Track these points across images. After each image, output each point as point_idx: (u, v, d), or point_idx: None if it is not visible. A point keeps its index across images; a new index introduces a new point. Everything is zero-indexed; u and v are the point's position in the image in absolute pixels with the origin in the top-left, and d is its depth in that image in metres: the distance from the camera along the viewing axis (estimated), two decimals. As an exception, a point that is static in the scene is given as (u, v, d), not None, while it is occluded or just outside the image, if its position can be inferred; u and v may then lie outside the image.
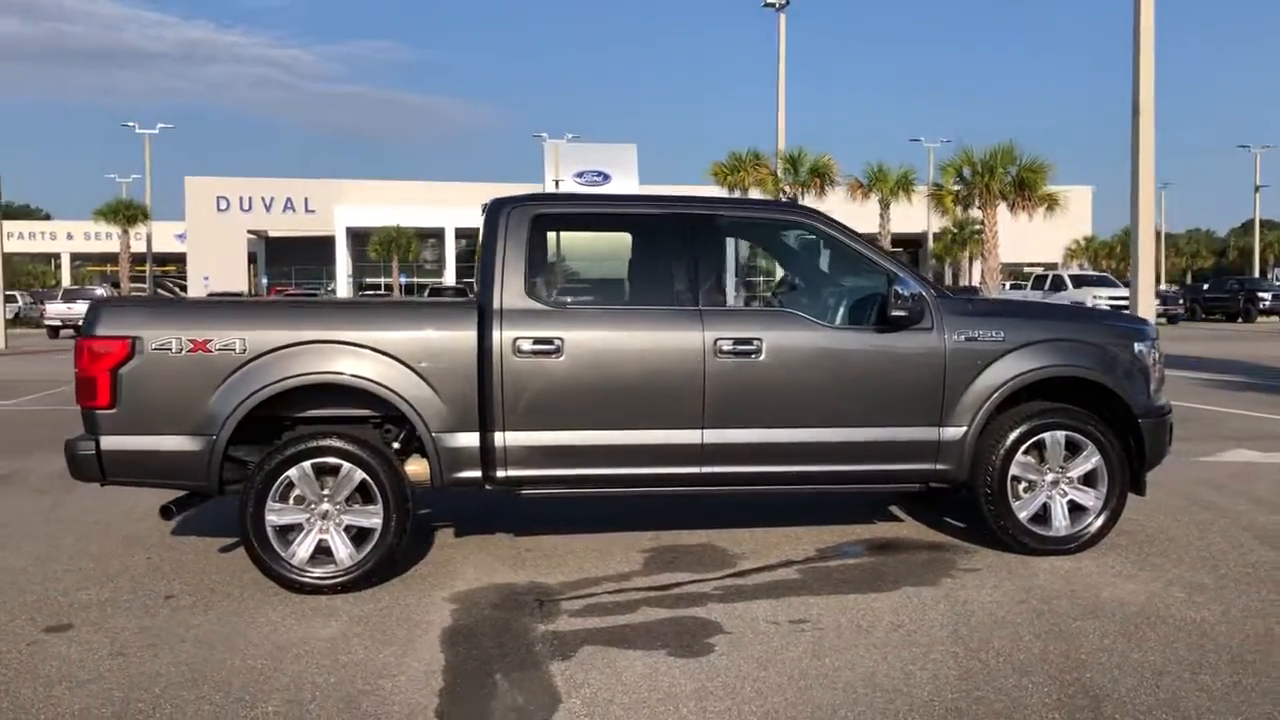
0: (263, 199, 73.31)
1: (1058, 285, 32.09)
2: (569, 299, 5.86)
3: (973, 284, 55.21)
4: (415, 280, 71.59)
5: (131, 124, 65.51)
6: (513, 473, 5.74)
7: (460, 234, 72.15)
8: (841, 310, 6.18)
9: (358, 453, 5.55)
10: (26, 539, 6.78)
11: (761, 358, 5.82)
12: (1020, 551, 6.10)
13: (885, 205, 39.31)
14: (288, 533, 5.58)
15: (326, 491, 5.58)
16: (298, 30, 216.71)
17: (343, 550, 5.58)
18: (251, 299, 9.31)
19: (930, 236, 59.90)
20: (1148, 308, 22.84)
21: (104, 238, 77.05)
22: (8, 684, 4.35)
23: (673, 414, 5.78)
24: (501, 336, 5.65)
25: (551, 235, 6.14)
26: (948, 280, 57.39)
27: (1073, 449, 6.13)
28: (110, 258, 78.93)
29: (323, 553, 5.59)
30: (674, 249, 5.94)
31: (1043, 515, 6.12)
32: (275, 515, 5.53)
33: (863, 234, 6.41)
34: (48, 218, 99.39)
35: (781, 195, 36.82)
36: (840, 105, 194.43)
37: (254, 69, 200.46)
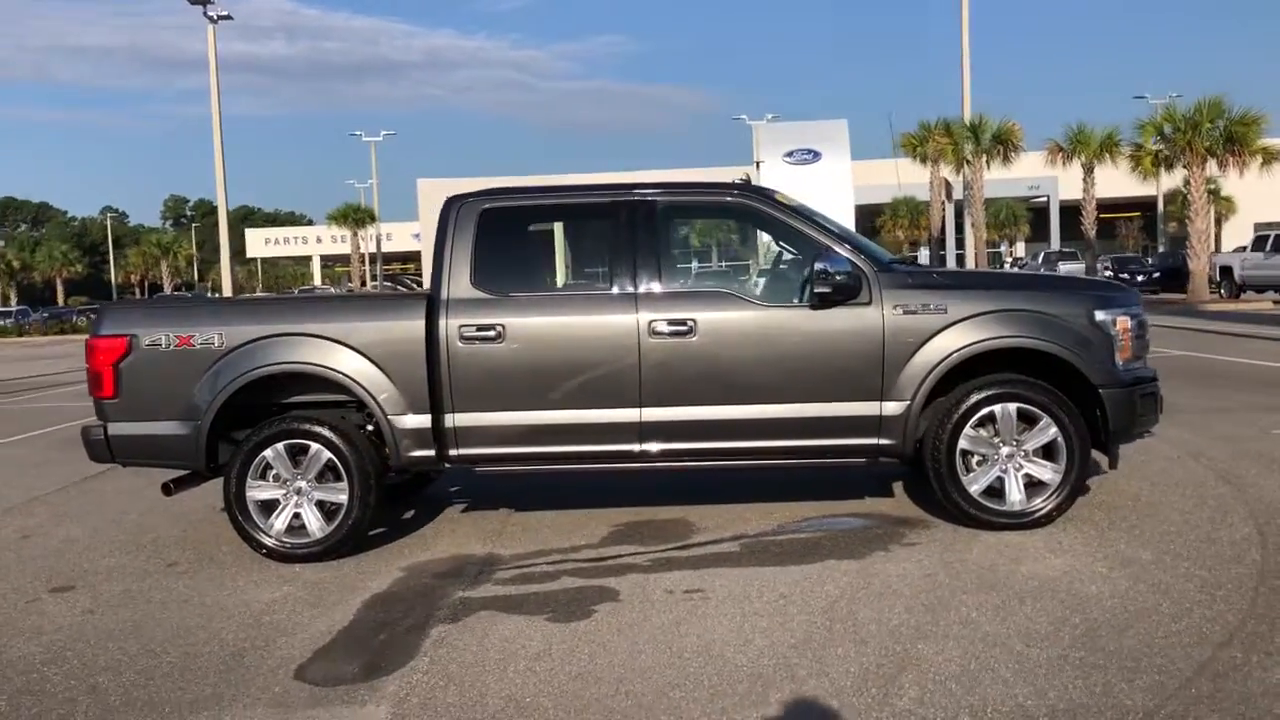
0: (490, 197, 76.29)
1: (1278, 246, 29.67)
2: (512, 288, 6.19)
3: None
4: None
5: (358, 132, 69.67)
6: (464, 451, 6.17)
7: (672, 220, 73.37)
8: (779, 288, 6.25)
9: (323, 434, 6.11)
10: (101, 514, 7.71)
11: (695, 338, 6.00)
12: (974, 525, 6.04)
13: (1089, 169, 37.34)
14: (268, 507, 6.19)
15: (299, 470, 6.15)
16: (533, 31, 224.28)
17: (314, 523, 6.16)
18: (232, 299, 10.01)
19: (1161, 200, 56.37)
20: None
21: (340, 240, 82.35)
22: (-14, 633, 5.12)
23: (610, 393, 6.05)
24: (447, 325, 6.07)
25: (517, 228, 6.48)
26: (1163, 248, 53.71)
27: (1030, 422, 6.00)
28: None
29: (300, 525, 6.18)
30: (614, 236, 6.19)
31: (999, 489, 6.02)
32: (255, 491, 6.16)
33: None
34: (310, 223, 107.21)
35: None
36: (1035, 68, 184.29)
37: (495, 71, 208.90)
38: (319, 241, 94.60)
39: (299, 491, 6.19)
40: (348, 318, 6.23)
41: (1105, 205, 47.36)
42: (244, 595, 5.58)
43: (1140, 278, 37.07)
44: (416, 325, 6.10)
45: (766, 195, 6.30)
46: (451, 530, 6.77)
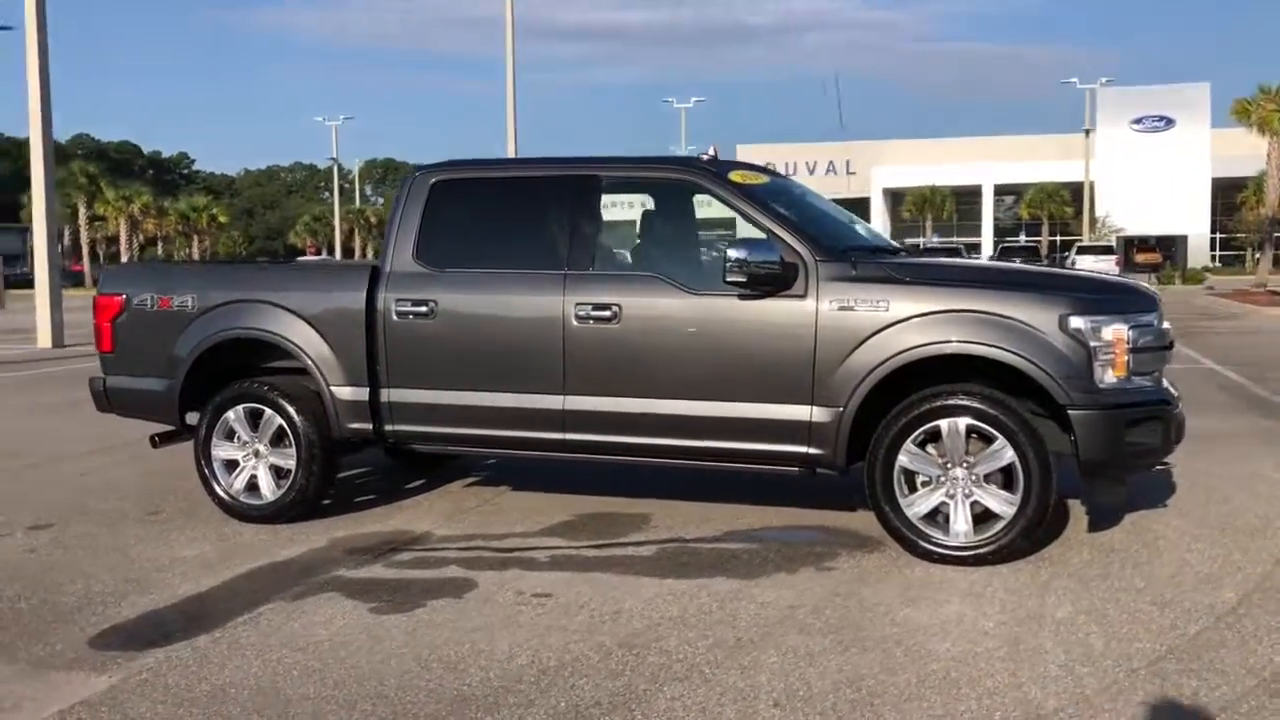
0: (807, 163, 75.76)
1: None
2: (450, 263, 6.01)
3: None
4: (954, 240, 69.88)
5: (670, 99, 70.75)
6: (398, 428, 6.10)
7: (1000, 191, 69.49)
8: (713, 275, 5.68)
9: (275, 399, 6.23)
10: (151, 460, 8.02)
11: (619, 324, 5.61)
12: (915, 555, 5.29)
13: None
14: (231, 466, 6.40)
15: (257, 433, 6.32)
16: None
17: (267, 486, 6.31)
18: (199, 265, 10.16)
19: None
20: None
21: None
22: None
23: (536, 379, 5.78)
24: (385, 298, 6.01)
25: (466, 202, 6.26)
26: None
27: (988, 442, 5.17)
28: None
29: (258, 486, 6.36)
30: (553, 212, 5.89)
31: (947, 517, 5.24)
32: (220, 450, 6.39)
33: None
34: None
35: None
36: None
37: (847, 33, 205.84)
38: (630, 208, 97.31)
39: (257, 454, 6.35)
40: (300, 287, 6.31)
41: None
42: (169, 550, 5.79)
43: None
44: (359, 297, 6.08)
45: (714, 172, 5.75)
46: (422, 505, 6.72)
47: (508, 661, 4.15)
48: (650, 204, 6.15)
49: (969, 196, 69.87)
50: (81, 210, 61.87)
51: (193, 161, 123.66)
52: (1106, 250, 47.70)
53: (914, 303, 5.22)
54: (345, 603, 4.89)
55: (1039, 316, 5.09)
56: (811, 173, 75.45)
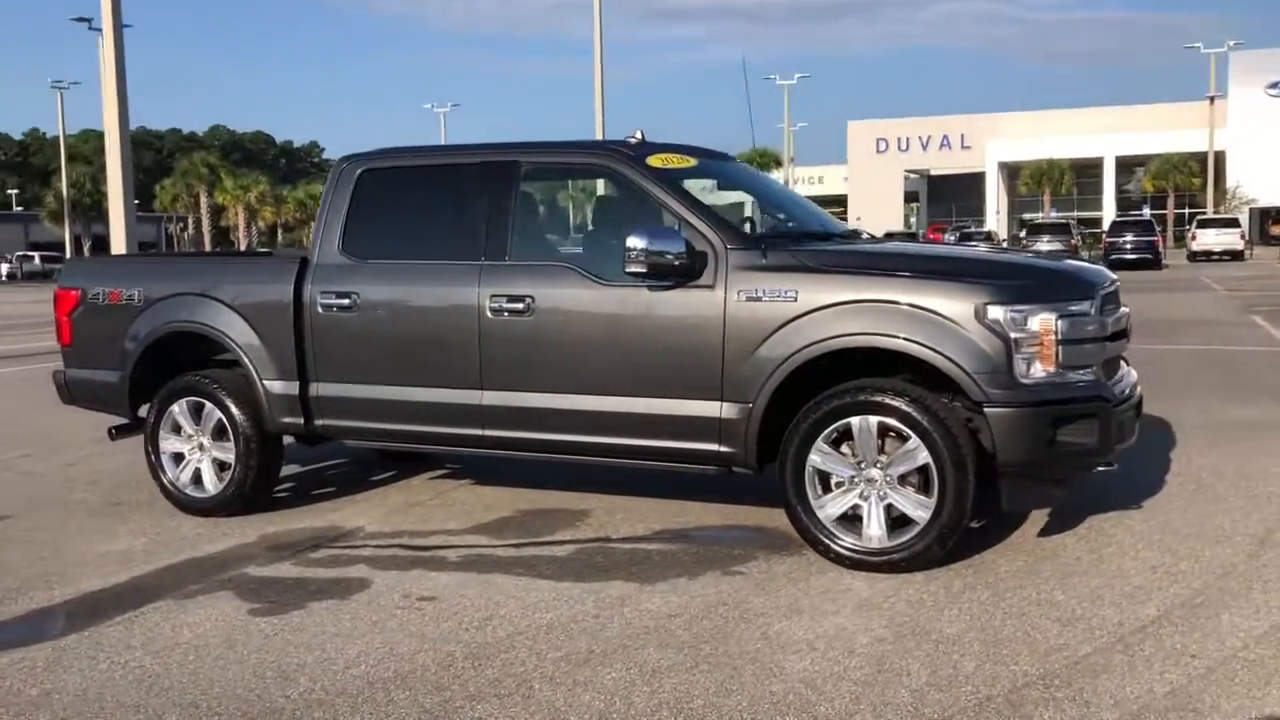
0: (919, 138, 74.09)
1: None
2: (373, 254, 5.87)
3: None
4: (1075, 214, 67.43)
5: (772, 76, 69.72)
6: (327, 422, 6.02)
7: (1121, 163, 66.77)
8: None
9: (213, 393, 6.21)
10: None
11: (532, 317, 5.40)
12: (829, 559, 4.97)
13: None
14: (179, 458, 6.41)
15: (199, 426, 6.32)
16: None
17: (209, 479, 6.30)
18: (149, 258, 10.08)
19: None
20: None
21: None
22: None
23: (454, 373, 5.63)
24: (311, 291, 5.91)
25: (392, 192, 6.10)
26: None
27: (906, 441, 4.82)
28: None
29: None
30: (473, 201, 5.70)
31: (862, 520, 4.91)
32: (167, 443, 6.40)
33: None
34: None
35: None
36: None
37: (975, 5, 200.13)
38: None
39: (201, 448, 6.35)
40: (233, 279, 6.26)
41: None
42: (102, 544, 5.78)
43: None
44: (286, 290, 6.00)
45: (630, 156, 5.47)
46: (373, 499, 6.61)
47: (343, 672, 4.00)
48: (574, 191, 5.89)
49: (1090, 169, 67.41)
50: (203, 199, 64.16)
51: (322, 150, 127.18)
52: (1230, 224, 45.27)
53: (823, 293, 4.89)
54: (231, 603, 4.82)
55: (953, 306, 4.71)
56: (925, 148, 73.76)
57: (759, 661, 3.95)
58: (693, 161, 5.73)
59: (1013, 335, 4.65)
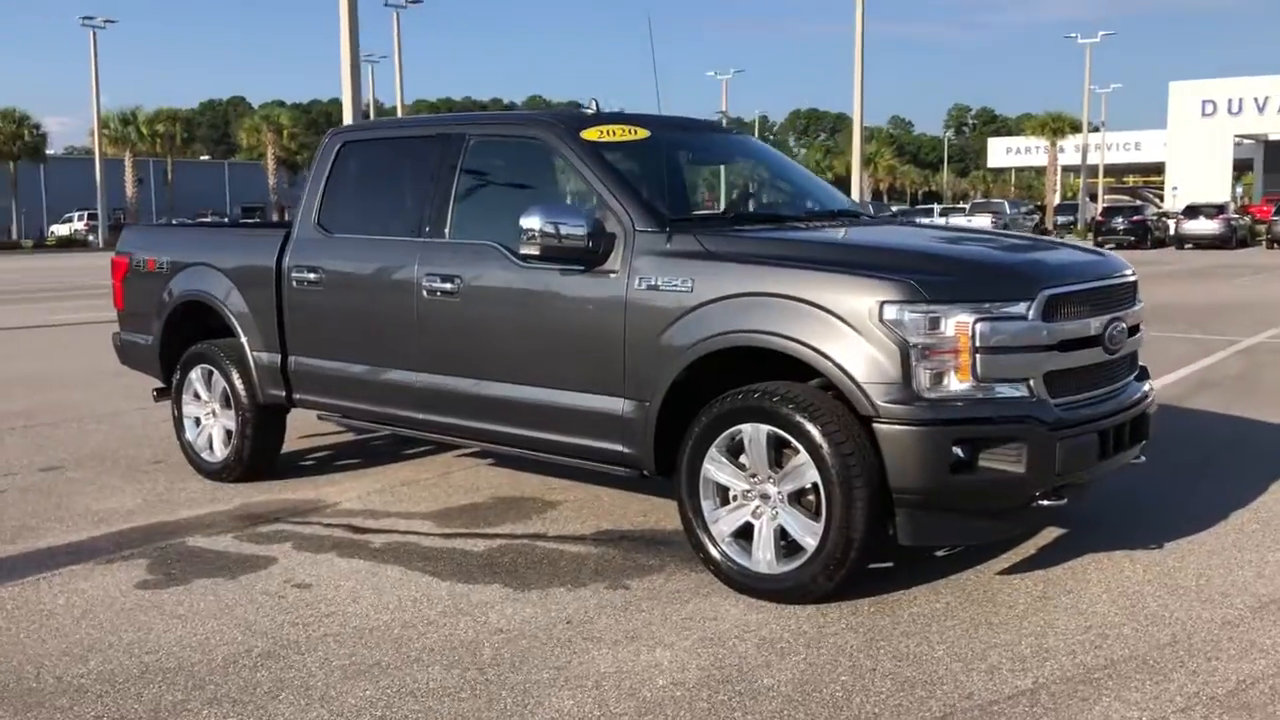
0: (1255, 99, 66.73)
1: None
2: (340, 228, 5.74)
3: None
4: None
5: (1073, 35, 64.61)
6: (302, 396, 6.02)
7: None
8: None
9: (221, 362, 6.35)
10: None
11: (458, 299, 5.14)
12: (723, 581, 4.44)
13: None
14: (198, 423, 6.62)
15: (212, 393, 6.49)
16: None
17: (218, 444, 6.48)
18: (179, 227, 9.87)
19: None
20: None
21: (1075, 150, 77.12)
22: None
23: (396, 353, 5.47)
24: (288, 263, 5.91)
25: (366, 164, 5.94)
26: None
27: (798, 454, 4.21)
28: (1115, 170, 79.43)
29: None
30: (423, 175, 5.47)
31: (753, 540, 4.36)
32: (188, 408, 6.63)
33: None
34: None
35: None
36: None
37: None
38: (1061, 151, 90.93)
39: (213, 414, 6.52)
40: (232, 250, 6.35)
41: None
42: (100, 502, 6.06)
43: None
44: (270, 261, 6.03)
45: (562, 127, 5.03)
46: (374, 475, 6.54)
47: (129, 657, 3.93)
48: (513, 164, 5.48)
49: None
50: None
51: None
52: None
53: (719, 283, 4.33)
54: (132, 573, 4.88)
55: (849, 303, 4.03)
56: (1262, 110, 66.48)
57: (523, 694, 3.56)
58: (644, 134, 5.24)
59: (913, 340, 3.94)
